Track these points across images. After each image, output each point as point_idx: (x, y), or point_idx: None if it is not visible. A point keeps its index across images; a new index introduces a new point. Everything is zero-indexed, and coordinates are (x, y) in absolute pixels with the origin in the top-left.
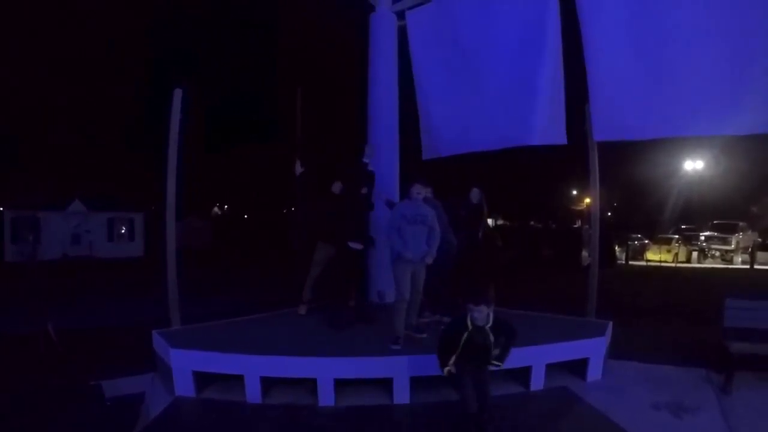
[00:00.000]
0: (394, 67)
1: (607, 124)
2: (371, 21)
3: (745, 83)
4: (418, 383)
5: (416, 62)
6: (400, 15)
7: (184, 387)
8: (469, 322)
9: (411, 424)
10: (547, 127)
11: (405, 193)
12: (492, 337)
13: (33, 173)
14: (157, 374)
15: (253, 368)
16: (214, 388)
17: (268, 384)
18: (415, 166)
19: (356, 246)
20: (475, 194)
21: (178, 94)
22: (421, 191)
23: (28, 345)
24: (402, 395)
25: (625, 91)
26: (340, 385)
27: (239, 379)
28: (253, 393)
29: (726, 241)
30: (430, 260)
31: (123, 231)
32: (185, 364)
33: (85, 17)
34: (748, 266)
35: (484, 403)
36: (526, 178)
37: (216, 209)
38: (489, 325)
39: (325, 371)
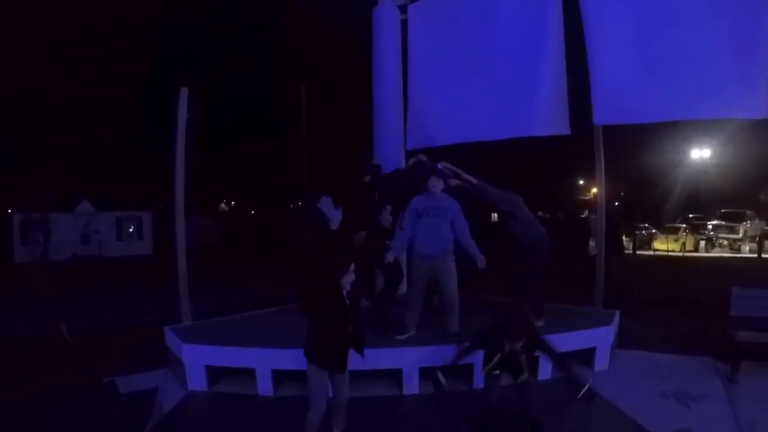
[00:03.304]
0: (398, 61)
1: (608, 107)
2: (374, 15)
3: (752, 66)
4: (427, 374)
5: (414, 54)
6: (403, 8)
7: (197, 381)
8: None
9: (420, 414)
10: (551, 116)
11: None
12: (524, 357)
13: (40, 175)
14: (169, 369)
15: (264, 362)
16: (227, 382)
17: (280, 377)
18: (429, 158)
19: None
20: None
21: (184, 93)
22: (437, 184)
23: (41, 345)
24: (411, 386)
25: (627, 73)
26: (351, 376)
27: (251, 372)
28: (264, 386)
29: (734, 230)
30: (482, 262)
31: (131, 230)
32: (197, 358)
33: (87, 19)
34: (755, 255)
35: (526, 412)
36: (533, 168)
37: (223, 205)
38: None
39: None
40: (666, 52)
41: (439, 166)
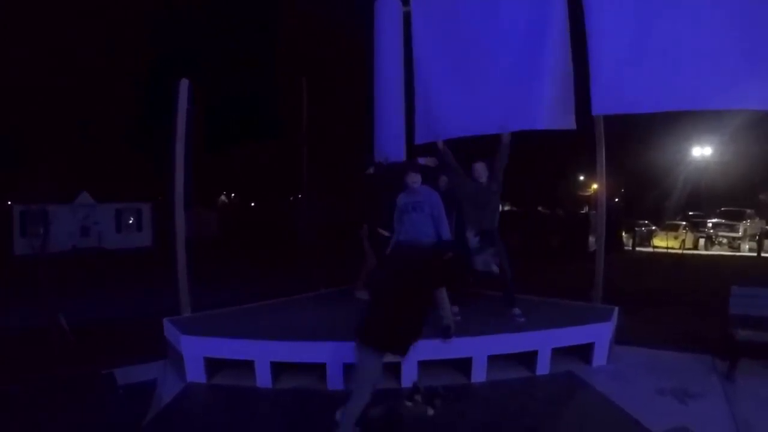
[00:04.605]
0: (399, 55)
1: (607, 96)
2: (376, 7)
3: (759, 56)
4: (426, 367)
5: (417, 47)
6: (405, 1)
7: (196, 373)
8: None
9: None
10: (555, 111)
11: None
12: None
13: (40, 166)
14: (168, 361)
15: (263, 353)
16: (225, 374)
17: (278, 369)
18: (408, 154)
19: (384, 233)
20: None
21: (184, 84)
22: (417, 179)
23: (40, 337)
24: (410, 379)
25: (627, 61)
26: (350, 369)
27: (250, 364)
28: (263, 378)
29: (733, 229)
30: (447, 254)
31: (131, 221)
32: (196, 350)
33: (87, 18)
34: (755, 254)
35: None
36: (533, 163)
37: (223, 198)
38: None
39: (334, 356)
40: (668, 40)
41: (421, 161)
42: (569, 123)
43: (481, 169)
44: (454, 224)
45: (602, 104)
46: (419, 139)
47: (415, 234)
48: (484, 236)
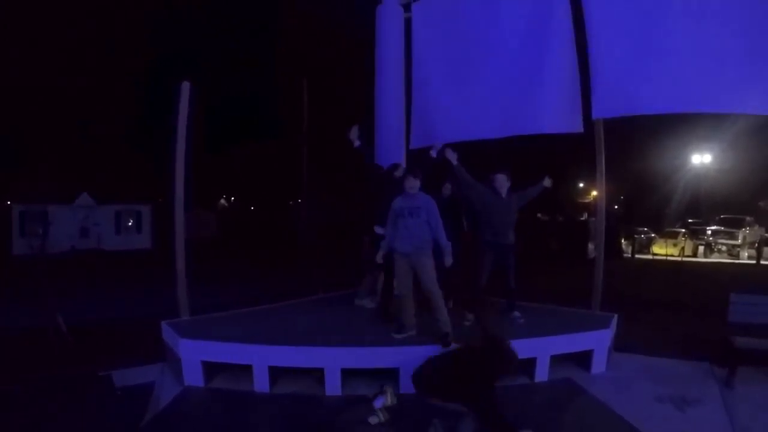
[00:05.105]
0: (400, 60)
1: (608, 98)
2: (378, 13)
3: (760, 57)
4: None
5: (418, 52)
6: (407, 7)
7: (193, 377)
8: None
9: (417, 413)
10: (560, 114)
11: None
12: None
13: (40, 166)
14: (166, 364)
15: (261, 358)
16: (223, 378)
17: (276, 374)
18: (408, 158)
19: (379, 231)
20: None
21: (185, 87)
22: (415, 185)
23: (38, 337)
24: (408, 385)
25: (628, 64)
26: (347, 374)
27: (248, 368)
28: (261, 382)
29: (733, 236)
30: (448, 260)
31: (130, 223)
32: (194, 354)
33: (87, 18)
34: (754, 261)
35: None
36: (532, 169)
37: (223, 201)
38: None
39: (332, 361)
40: (669, 42)
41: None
42: (576, 126)
43: (502, 180)
44: (467, 229)
45: (603, 107)
46: (414, 144)
47: (405, 237)
48: (502, 251)
